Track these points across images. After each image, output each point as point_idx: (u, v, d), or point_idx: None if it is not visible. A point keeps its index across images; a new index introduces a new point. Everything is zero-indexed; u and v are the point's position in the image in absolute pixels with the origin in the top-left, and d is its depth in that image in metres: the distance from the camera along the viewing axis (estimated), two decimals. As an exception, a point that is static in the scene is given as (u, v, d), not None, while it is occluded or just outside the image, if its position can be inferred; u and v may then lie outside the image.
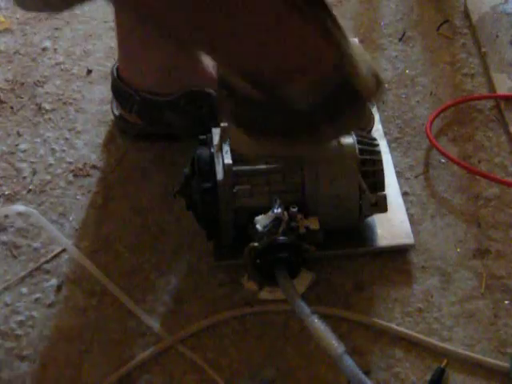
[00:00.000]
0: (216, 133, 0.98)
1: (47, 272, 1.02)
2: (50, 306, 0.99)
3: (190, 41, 0.79)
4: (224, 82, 0.85)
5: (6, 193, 1.09)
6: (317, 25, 0.80)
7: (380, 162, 0.97)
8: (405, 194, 1.07)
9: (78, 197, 1.09)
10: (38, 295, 1.00)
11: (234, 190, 0.95)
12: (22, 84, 1.22)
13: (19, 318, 0.98)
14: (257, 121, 0.85)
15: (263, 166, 0.96)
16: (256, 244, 0.92)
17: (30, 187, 1.10)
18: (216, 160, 0.95)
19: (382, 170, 0.97)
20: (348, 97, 0.84)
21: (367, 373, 0.91)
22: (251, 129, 0.87)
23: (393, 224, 1.02)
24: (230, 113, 0.86)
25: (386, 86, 1.20)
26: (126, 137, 1.14)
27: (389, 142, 1.12)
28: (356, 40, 1.22)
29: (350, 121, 0.88)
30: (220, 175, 0.94)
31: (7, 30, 1.30)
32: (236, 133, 0.88)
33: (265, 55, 0.79)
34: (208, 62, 1.09)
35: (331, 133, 0.88)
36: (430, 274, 1.00)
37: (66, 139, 1.15)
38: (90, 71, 1.24)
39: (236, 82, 0.81)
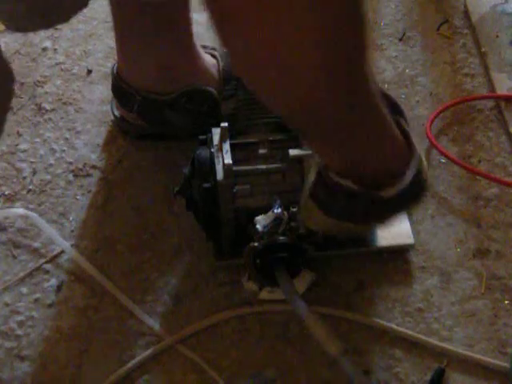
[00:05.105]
0: (216, 133, 0.98)
1: (47, 272, 1.02)
2: (50, 306, 0.99)
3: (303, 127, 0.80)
4: (322, 175, 0.84)
5: (6, 193, 1.09)
6: (400, 128, 0.84)
7: (380, 162, 0.97)
8: (405, 194, 1.07)
9: (78, 197, 1.09)
10: (37, 295, 1.00)
11: (234, 190, 0.95)
12: (22, 84, 1.22)
13: (19, 318, 0.98)
14: (342, 208, 0.85)
15: (263, 166, 0.96)
16: (256, 244, 0.92)
17: (30, 187, 1.10)
18: (216, 160, 0.95)
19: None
20: (419, 187, 0.88)
21: (367, 373, 0.91)
22: (334, 213, 0.87)
23: (393, 224, 1.02)
24: (316, 197, 0.86)
25: (386, 85, 1.20)
26: (126, 137, 1.14)
27: (389, 142, 1.12)
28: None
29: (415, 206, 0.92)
30: (220, 175, 0.94)
31: (7, 30, 1.29)
32: (312, 211, 0.88)
33: (374, 156, 0.82)
34: (208, 61, 1.09)
35: (394, 218, 0.91)
36: (429, 273, 1.00)
37: (66, 139, 1.15)
38: (90, 71, 1.24)
39: (333, 177, 0.83)
